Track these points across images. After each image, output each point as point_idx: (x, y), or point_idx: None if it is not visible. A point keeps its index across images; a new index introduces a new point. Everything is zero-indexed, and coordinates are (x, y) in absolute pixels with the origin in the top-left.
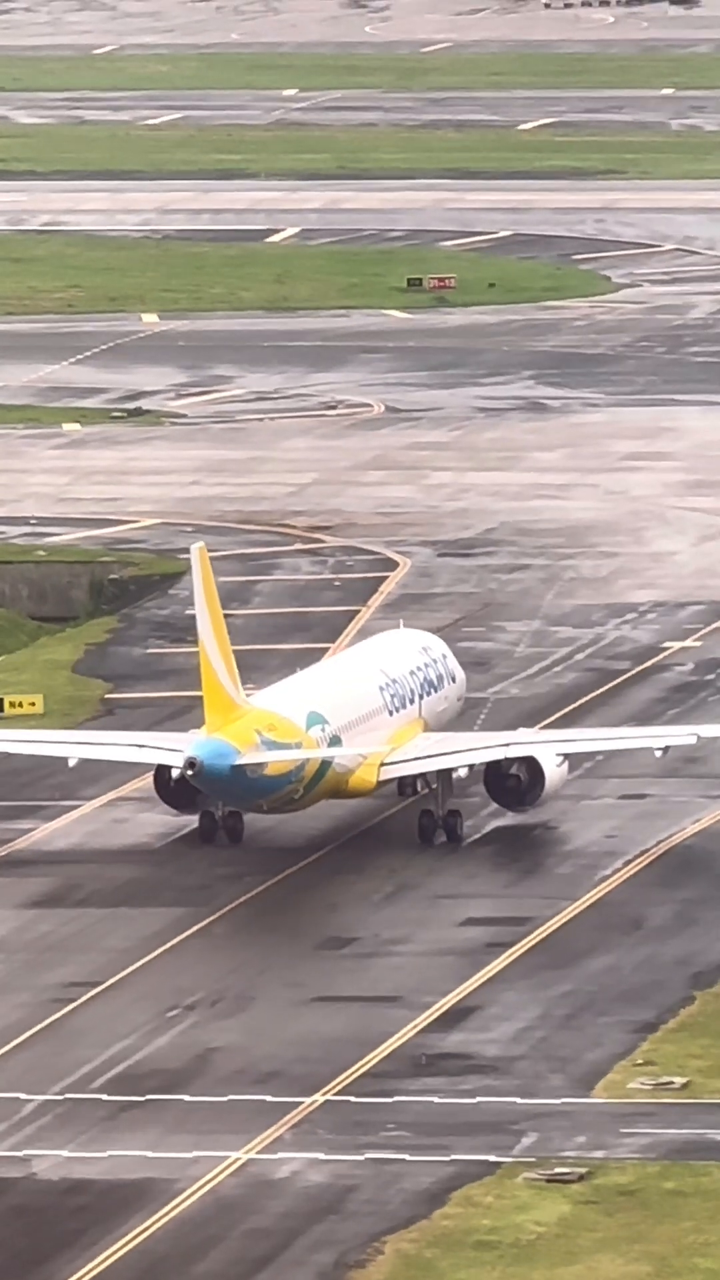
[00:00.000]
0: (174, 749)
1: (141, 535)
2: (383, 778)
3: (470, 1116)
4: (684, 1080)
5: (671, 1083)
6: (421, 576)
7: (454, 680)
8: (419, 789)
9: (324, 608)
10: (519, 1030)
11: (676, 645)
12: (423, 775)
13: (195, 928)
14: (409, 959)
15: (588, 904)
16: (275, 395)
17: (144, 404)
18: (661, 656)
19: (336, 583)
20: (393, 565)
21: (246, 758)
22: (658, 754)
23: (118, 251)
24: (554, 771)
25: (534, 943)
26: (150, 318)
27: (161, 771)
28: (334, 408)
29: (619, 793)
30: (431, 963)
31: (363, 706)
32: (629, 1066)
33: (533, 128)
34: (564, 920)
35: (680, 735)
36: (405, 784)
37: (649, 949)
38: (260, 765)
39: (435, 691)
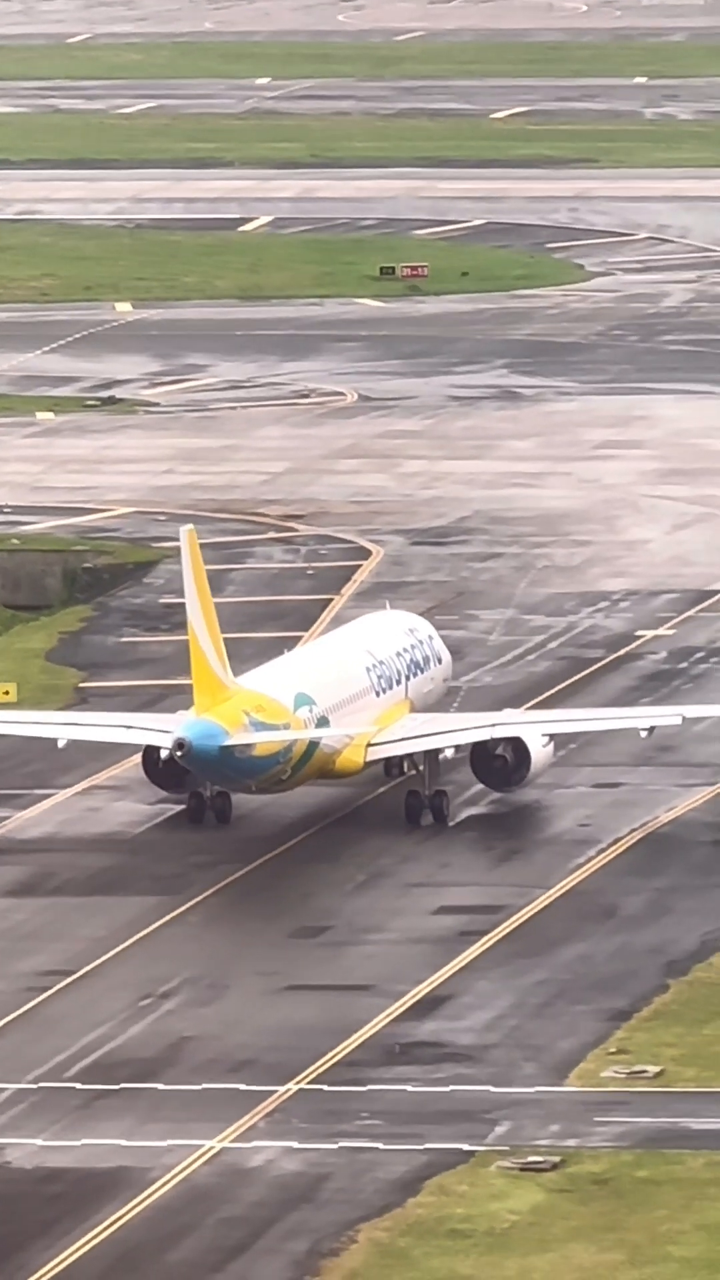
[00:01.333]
0: (163, 730)
1: (115, 524)
2: (370, 758)
3: (444, 1105)
4: (657, 1069)
5: (645, 1071)
6: (395, 565)
7: (440, 661)
8: (405, 770)
9: (298, 596)
10: (492, 1019)
11: (650, 633)
12: (409, 756)
13: (169, 916)
14: (382, 947)
15: (561, 892)
16: (248, 384)
17: (118, 393)
18: (635, 645)
19: (310, 571)
20: (366, 554)
21: (235, 738)
22: (643, 734)
23: (91, 240)
24: (540, 752)
25: (507, 931)
26: (124, 306)
27: (150, 752)
28: (307, 396)
29: (593, 781)
30: (405, 951)
31: (350, 687)
32: (602, 1055)
33: (506, 116)
34: (538, 909)
35: (666, 716)
36: (392, 765)
37: (623, 937)
38: (248, 746)
39: (422, 673)
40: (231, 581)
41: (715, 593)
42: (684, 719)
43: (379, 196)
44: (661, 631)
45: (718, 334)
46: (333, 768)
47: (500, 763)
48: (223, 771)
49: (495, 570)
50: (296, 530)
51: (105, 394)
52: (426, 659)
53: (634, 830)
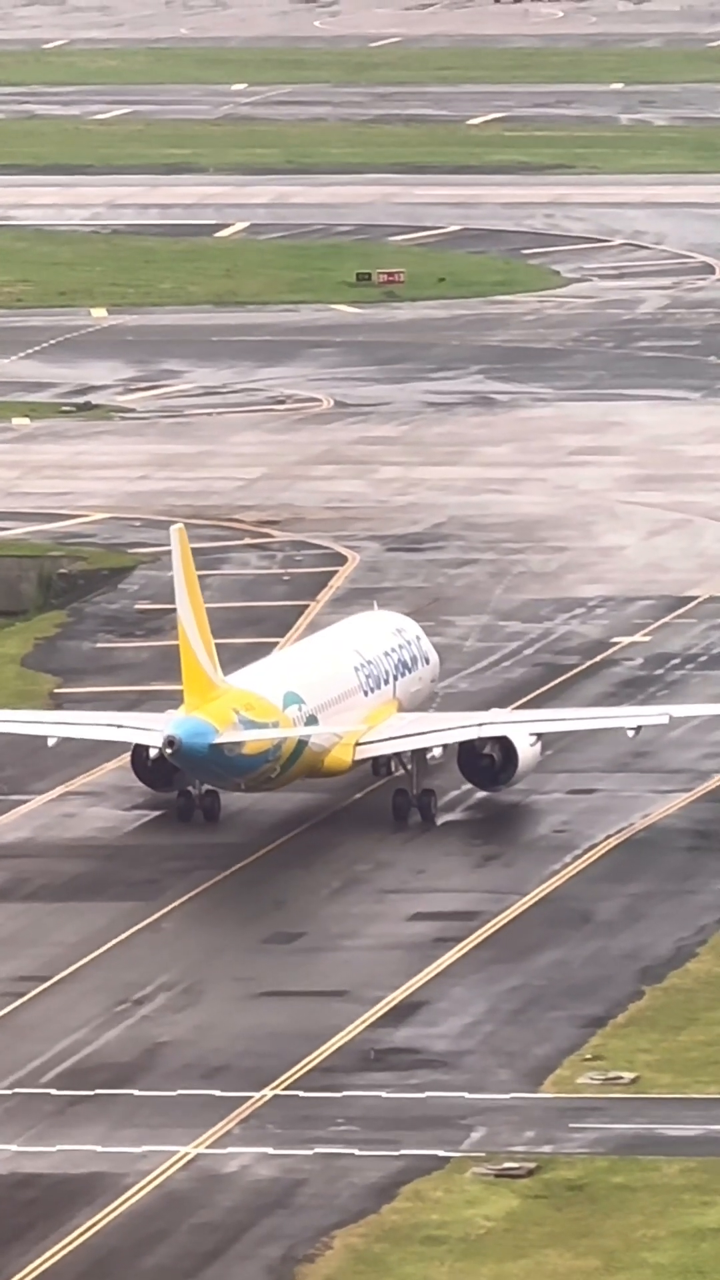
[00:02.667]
0: (152, 728)
1: (91, 530)
2: (358, 757)
3: (419, 1111)
4: (633, 1075)
5: (620, 1077)
6: (370, 571)
7: (428, 662)
8: (393, 769)
9: (273, 602)
10: (467, 1025)
11: (626, 640)
12: (397, 755)
13: (144, 922)
14: (357, 954)
15: (536, 899)
16: (224, 390)
17: (93, 398)
18: (610, 651)
19: (285, 577)
20: (342, 560)
21: (224, 736)
22: (630, 733)
23: (67, 246)
24: (527, 751)
25: (483, 937)
26: (99, 312)
27: (139, 751)
28: (282, 402)
29: (568, 787)
30: (380, 957)
31: (338, 687)
32: (577, 1061)
33: (482, 122)
34: (513, 915)
35: (653, 715)
36: (380, 764)
37: (598, 943)
38: (238, 744)
39: (409, 672)
40: (207, 587)
41: (691, 599)
42: (670, 718)
43: (355, 202)
44: (637, 638)
45: (694, 340)
46: (321, 766)
47: (488, 762)
48: (212, 769)
49: (471, 576)
50: (272, 536)
51: (81, 400)
52: (414, 659)
53: (610, 836)
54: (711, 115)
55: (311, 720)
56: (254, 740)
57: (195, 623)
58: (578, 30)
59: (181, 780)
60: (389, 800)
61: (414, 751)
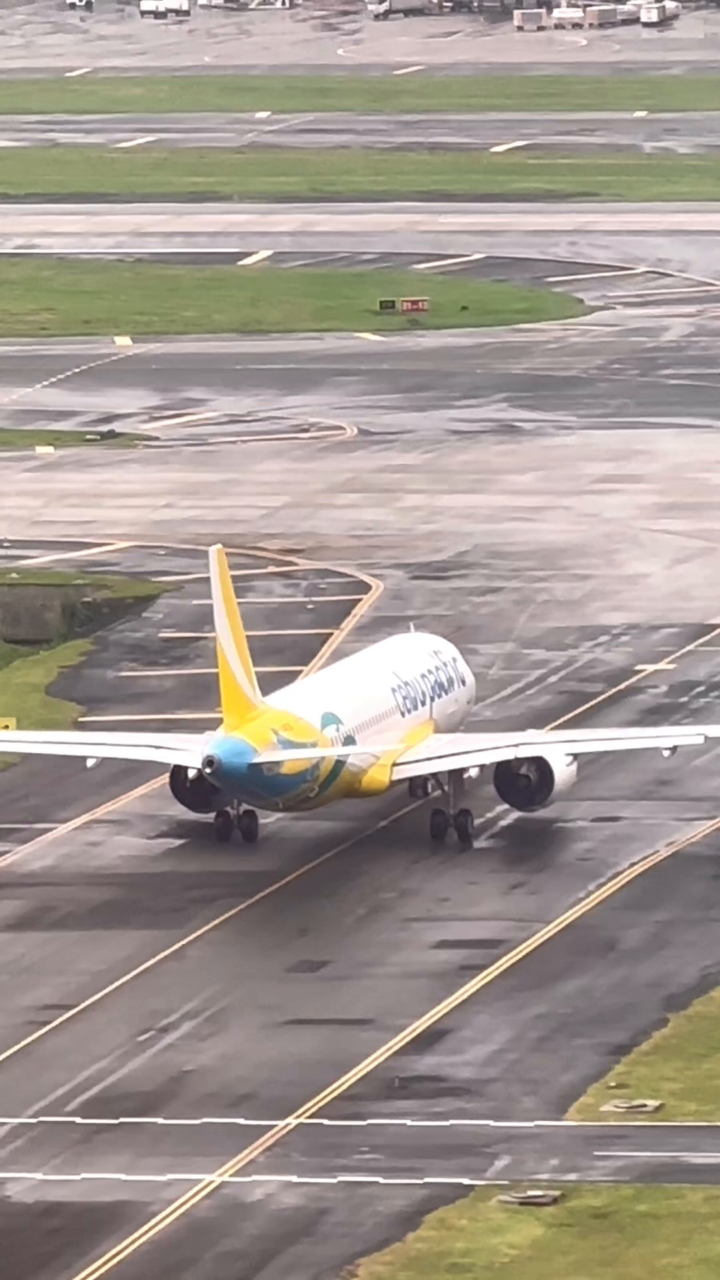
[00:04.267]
0: (191, 749)
1: (115, 558)
2: (395, 778)
3: (444, 1139)
4: (657, 1103)
5: (645, 1105)
6: (394, 599)
7: (464, 684)
8: (429, 790)
9: (297, 630)
10: (492, 1053)
11: (650, 668)
12: (434, 775)
13: (169, 950)
14: (382, 982)
15: (561, 926)
16: (248, 418)
17: (117, 427)
18: (635, 679)
19: (310, 605)
20: (366, 588)
21: (263, 756)
22: (665, 754)
23: (91, 274)
24: (563, 771)
25: (507, 965)
26: (123, 340)
27: (178, 772)
28: (307, 430)
29: (592, 815)
30: (404, 985)
31: (376, 708)
32: (602, 1089)
33: (505, 150)
34: (537, 943)
35: (688, 735)
36: (416, 785)
37: (622, 971)
38: (277, 764)
39: (446, 694)
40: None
41: (715, 627)
42: (706, 738)
43: (378, 231)
44: (662, 666)
45: (717, 368)
46: (359, 787)
47: (524, 782)
48: (251, 789)
49: (495, 604)
50: (296, 565)
51: (105, 428)
52: (450, 680)
53: (634, 864)
54: None
55: (349, 740)
56: (292, 760)
57: (234, 643)
58: (601, 58)
59: (220, 801)
60: (411, 826)
61: (451, 772)
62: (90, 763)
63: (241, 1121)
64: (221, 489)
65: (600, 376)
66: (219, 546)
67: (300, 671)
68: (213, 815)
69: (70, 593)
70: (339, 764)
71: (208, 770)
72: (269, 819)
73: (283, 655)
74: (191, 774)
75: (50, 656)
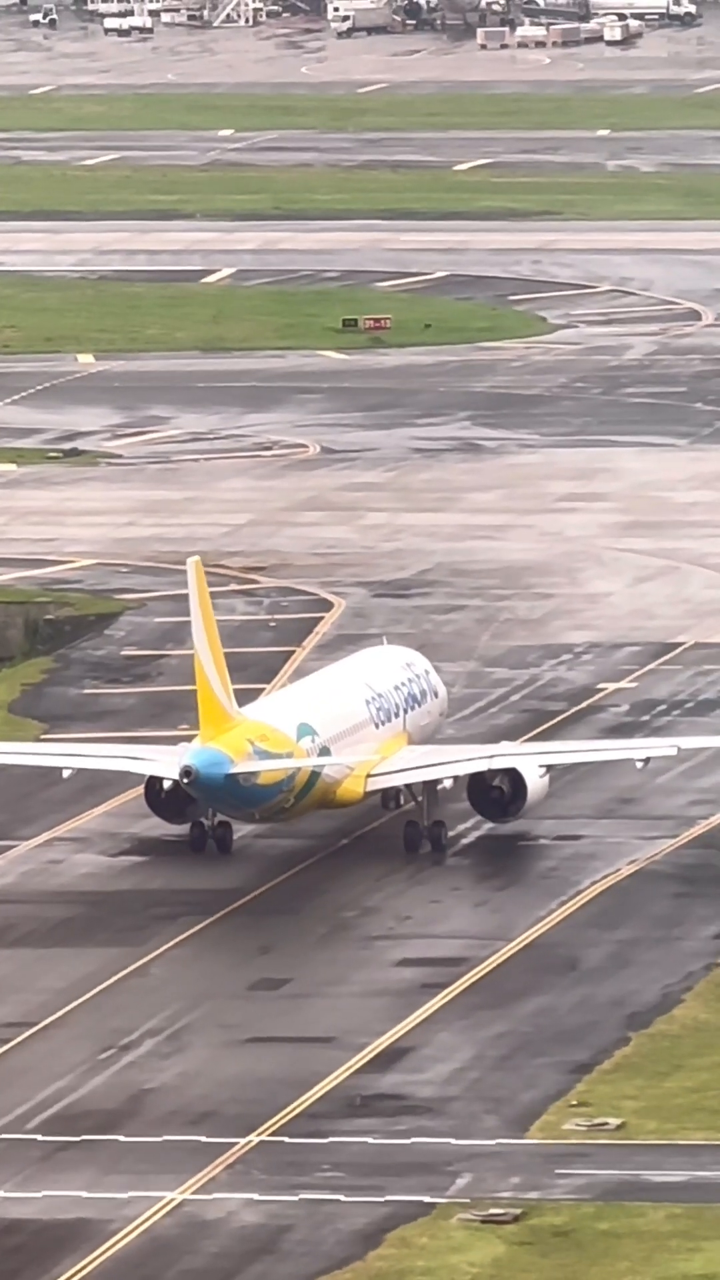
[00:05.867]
0: (168, 760)
1: (77, 575)
2: (370, 789)
3: (405, 1157)
4: (619, 1121)
5: (606, 1124)
6: (357, 617)
7: (436, 695)
8: (402, 802)
9: (259, 648)
10: (454, 1071)
11: (612, 686)
12: (408, 787)
13: (130, 968)
14: (344, 1000)
15: (523, 945)
16: (211, 436)
17: (80, 444)
18: (597, 697)
19: (272, 623)
20: (328, 606)
21: (240, 766)
22: (639, 765)
23: (54, 292)
24: (536, 783)
25: (469, 984)
26: (86, 358)
27: (153, 783)
28: (269, 448)
29: (554, 833)
30: (366, 1004)
31: (350, 719)
32: (564, 1107)
33: (469, 168)
34: (499, 961)
35: (661, 747)
36: (387, 797)
37: (584, 990)
38: (253, 774)
39: (419, 706)
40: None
41: (677, 645)
42: (679, 750)
43: (342, 248)
44: (624, 684)
45: (681, 387)
46: (334, 797)
47: (497, 794)
48: (228, 799)
49: (457, 623)
50: (258, 582)
51: (67, 446)
52: (424, 693)
53: (596, 882)
54: (698, 161)
55: (324, 752)
56: (268, 771)
57: (211, 654)
58: (565, 76)
59: (195, 812)
60: (377, 841)
61: (425, 783)
62: (66, 773)
63: (203, 1139)
64: (184, 507)
65: (563, 395)
66: (197, 558)
67: (263, 689)
68: (187, 826)
69: (32, 610)
70: (314, 775)
71: (185, 780)
72: (240, 831)
73: (245, 673)
74: (167, 784)
75: (12, 674)
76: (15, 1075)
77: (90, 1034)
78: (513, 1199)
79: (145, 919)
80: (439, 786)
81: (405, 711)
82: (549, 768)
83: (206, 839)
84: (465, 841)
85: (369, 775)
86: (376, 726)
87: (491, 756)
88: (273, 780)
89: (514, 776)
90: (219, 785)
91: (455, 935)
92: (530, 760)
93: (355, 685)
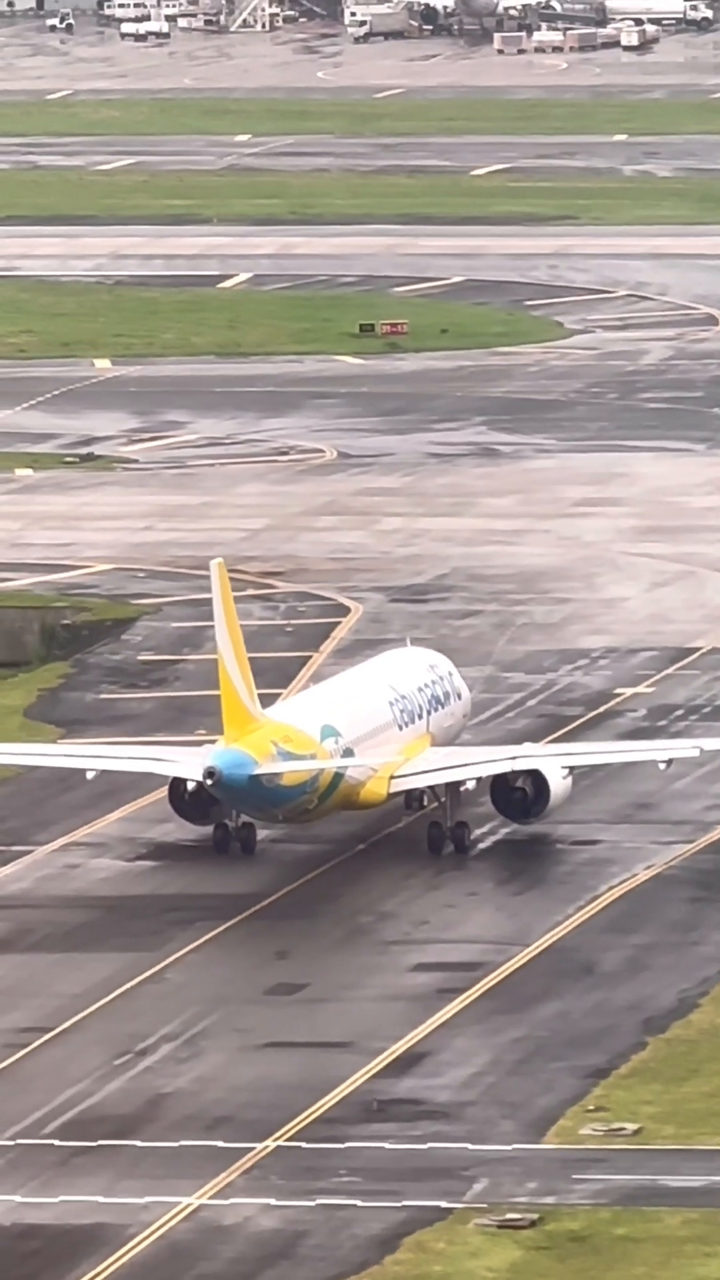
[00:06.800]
0: (191, 761)
1: (94, 580)
2: (393, 790)
3: (422, 1162)
4: (636, 1126)
5: (623, 1129)
6: (374, 622)
7: (460, 697)
8: (425, 803)
9: (276, 653)
10: (470, 1076)
11: (629, 691)
12: (431, 788)
13: (147, 973)
14: (360, 1005)
15: (540, 950)
16: (227, 441)
17: (96, 449)
18: (614, 702)
19: (289, 628)
20: (345, 611)
21: (264, 768)
22: (662, 766)
23: (70, 297)
24: (559, 784)
25: (485, 989)
26: (103, 363)
27: (177, 784)
28: (286, 453)
29: (571, 838)
30: (383, 1009)
31: (374, 721)
32: (580, 1112)
33: (485, 173)
34: (515, 966)
35: (683, 748)
36: (411, 798)
37: (601, 994)
38: (276, 775)
39: (442, 708)
40: (209, 638)
41: (694, 650)
42: (701, 751)
43: (358, 253)
44: (640, 689)
45: (697, 392)
46: (357, 799)
47: (520, 795)
48: (251, 800)
49: (474, 627)
50: (275, 587)
51: (84, 450)
52: (447, 694)
53: (612, 887)
54: (715, 167)
55: (348, 753)
56: (292, 772)
57: (234, 656)
58: (582, 81)
59: (218, 813)
60: (391, 845)
61: (448, 785)
62: (90, 774)
63: (219, 1144)
64: (201, 512)
65: (579, 400)
66: (220, 560)
67: (280, 694)
68: (211, 827)
69: (49, 615)
70: (338, 776)
71: (208, 782)
72: (262, 834)
73: (262, 678)
74: (191, 786)
75: (29, 679)
76: (32, 1080)
77: (107, 1039)
78: (529, 1204)
79: (162, 924)
80: (462, 788)
81: (429, 713)
82: (572, 769)
83: (230, 840)
84: (481, 846)
85: (392, 777)
86: (400, 728)
87: (514, 758)
88: (296, 781)
89: (537, 778)
90: (243, 786)
91: (472, 940)
92: (553, 761)
93: (379, 687)
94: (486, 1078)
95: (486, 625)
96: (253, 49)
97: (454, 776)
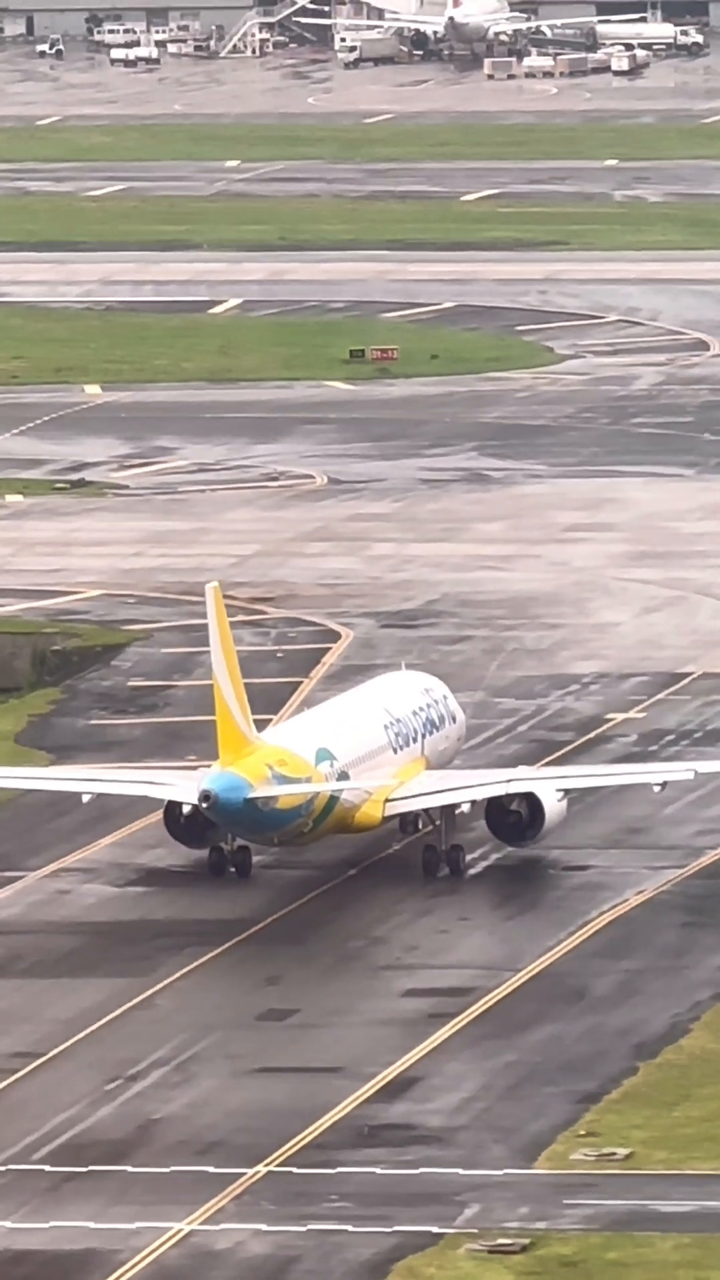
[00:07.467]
0: (187, 784)
1: (84, 606)
2: (388, 813)
3: (413, 1187)
4: (627, 1151)
5: (614, 1153)
6: (364, 648)
7: (454, 720)
8: (420, 826)
9: (266, 679)
10: (462, 1101)
11: (620, 716)
12: (426, 811)
13: (138, 999)
14: (351, 1030)
15: (531, 974)
16: (218, 466)
17: (87, 475)
18: (605, 728)
19: (279, 654)
20: (335, 636)
21: (259, 791)
22: (656, 789)
23: (61, 323)
24: (554, 807)
25: (477, 1013)
26: (93, 389)
27: (172, 807)
28: (276, 479)
29: (562, 863)
30: (374, 1033)
31: (369, 744)
32: (572, 1137)
33: (476, 199)
34: (507, 991)
35: (678, 771)
36: (406, 822)
37: (592, 1019)
38: (272, 799)
39: (437, 731)
40: (200, 664)
41: (686, 675)
42: (696, 774)
43: (348, 279)
44: (632, 714)
45: (688, 417)
46: (352, 822)
47: (515, 818)
48: (246, 823)
49: (465, 653)
50: (266, 613)
51: (75, 477)
52: (441, 718)
53: (604, 912)
54: (705, 191)
55: (343, 776)
56: (287, 795)
57: (230, 679)
58: (572, 106)
59: (214, 836)
60: (393, 868)
61: (443, 808)
62: (85, 798)
63: (210, 1170)
64: (191, 537)
65: (570, 425)
66: (216, 583)
67: (270, 720)
68: (206, 850)
69: (40, 641)
70: (333, 799)
71: (204, 805)
72: (255, 858)
73: (253, 704)
74: (186, 809)
75: (20, 705)
76: (22, 1106)
77: (97, 1064)
78: (521, 1229)
79: (152, 949)
80: (457, 811)
81: (423, 736)
82: (566, 792)
83: (226, 863)
84: (473, 872)
85: (387, 800)
86: (395, 751)
87: (509, 781)
88: (291, 805)
89: (532, 801)
90: (238, 809)
91: (463, 965)
92: (548, 784)
93: (374, 710)
94: (478, 1103)
95: (477, 651)
96: (243, 75)
97: (449, 799)
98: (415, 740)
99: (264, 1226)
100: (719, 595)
